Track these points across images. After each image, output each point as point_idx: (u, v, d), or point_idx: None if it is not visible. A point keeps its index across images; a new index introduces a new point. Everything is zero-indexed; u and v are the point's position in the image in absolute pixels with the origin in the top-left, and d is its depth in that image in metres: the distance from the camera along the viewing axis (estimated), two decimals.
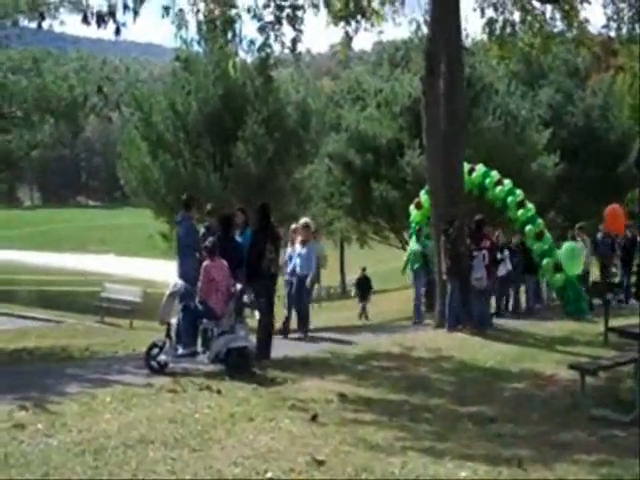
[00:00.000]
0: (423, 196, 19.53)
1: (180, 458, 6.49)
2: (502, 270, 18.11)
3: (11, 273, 53.46)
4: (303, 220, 16.35)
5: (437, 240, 16.20)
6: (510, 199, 19.03)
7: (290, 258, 15.82)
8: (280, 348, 12.63)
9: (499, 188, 19.16)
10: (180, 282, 11.62)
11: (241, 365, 10.57)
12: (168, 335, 10.95)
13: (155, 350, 10.93)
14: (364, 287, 30.08)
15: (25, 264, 72.33)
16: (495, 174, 19.52)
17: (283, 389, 9.76)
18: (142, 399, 8.82)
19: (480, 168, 19.52)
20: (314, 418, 8.00)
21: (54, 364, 11.91)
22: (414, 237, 19.50)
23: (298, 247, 15.65)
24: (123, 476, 6.00)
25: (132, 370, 11.06)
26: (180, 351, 10.89)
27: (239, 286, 11.47)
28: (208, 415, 8.06)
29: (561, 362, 11.22)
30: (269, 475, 6.07)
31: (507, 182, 19.35)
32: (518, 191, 19.23)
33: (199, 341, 11.23)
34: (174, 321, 11.02)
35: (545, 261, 18.50)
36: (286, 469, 6.24)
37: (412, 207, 20.44)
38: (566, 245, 19.05)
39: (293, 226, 16.60)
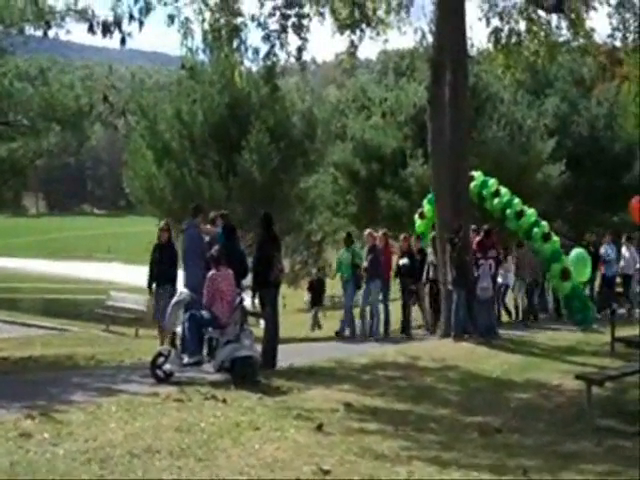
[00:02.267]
0: (426, 206, 19.51)
1: (186, 467, 6.48)
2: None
3: (16, 281, 53.52)
4: None
5: (442, 249, 16.19)
6: (508, 211, 18.93)
7: None
8: (286, 357, 12.62)
9: (496, 200, 19.04)
10: (185, 291, 11.63)
11: (247, 374, 10.56)
12: (173, 344, 10.96)
13: (161, 359, 10.93)
14: (317, 291, 26.38)
15: (30, 272, 72.41)
16: (493, 183, 19.33)
17: (289, 398, 9.75)
18: (148, 408, 8.81)
19: (478, 177, 19.36)
20: (320, 427, 7.99)
21: (60, 373, 11.90)
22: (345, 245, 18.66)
23: None
24: None
25: (138, 379, 11.05)
26: (186, 360, 10.88)
27: (244, 295, 11.48)
28: (214, 424, 8.05)
29: (567, 372, 11.20)
30: None
31: (504, 192, 19.17)
32: (516, 201, 19.06)
33: (205, 350, 11.22)
34: (179, 330, 11.02)
35: (553, 267, 18.35)
36: (292, 478, 6.24)
37: (416, 217, 20.43)
38: (575, 252, 19.09)
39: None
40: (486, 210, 19.88)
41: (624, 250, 20.79)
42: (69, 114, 21.19)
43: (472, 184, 18.71)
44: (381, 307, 17.65)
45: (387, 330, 17.72)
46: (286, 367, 12.16)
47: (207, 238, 13.18)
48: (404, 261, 18.09)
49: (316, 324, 24.62)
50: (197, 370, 11.00)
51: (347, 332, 17.66)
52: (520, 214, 18.72)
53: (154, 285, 14.51)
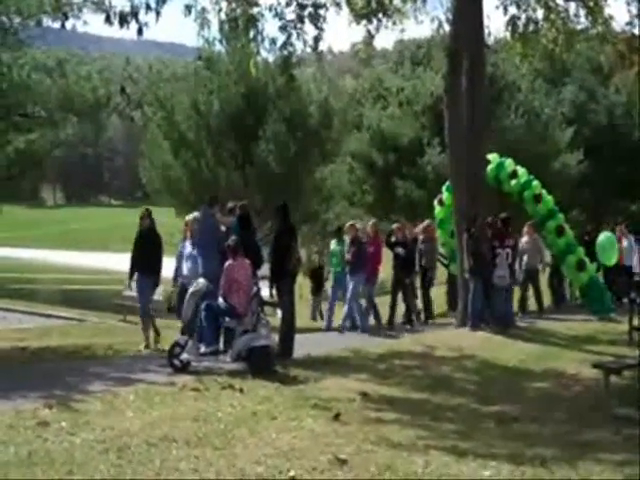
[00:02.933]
0: (445, 193, 19.40)
1: (203, 456, 6.50)
2: None
3: (34, 272, 53.74)
4: (192, 215, 14.35)
5: (459, 238, 16.14)
6: (527, 193, 18.63)
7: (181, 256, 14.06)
8: (302, 347, 12.63)
9: (514, 182, 18.77)
10: (202, 281, 11.64)
11: (263, 364, 10.58)
12: (190, 334, 10.99)
13: (178, 349, 10.97)
14: (318, 279, 25.92)
15: (47, 263, 72.70)
16: (509, 164, 19.00)
17: (305, 388, 9.77)
18: (165, 397, 8.86)
19: (494, 159, 18.98)
20: (336, 417, 8.00)
21: (77, 362, 11.96)
22: (336, 238, 17.77)
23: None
24: (147, 474, 6.02)
25: (155, 369, 11.10)
26: (202, 350, 10.92)
27: (261, 285, 11.50)
28: (231, 414, 8.08)
29: (585, 361, 11.16)
30: (292, 474, 6.07)
31: (522, 172, 18.88)
32: (535, 182, 18.76)
33: (221, 340, 11.24)
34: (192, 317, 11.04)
35: (568, 259, 18.25)
36: (309, 468, 6.24)
37: (435, 203, 20.34)
38: (603, 235, 19.00)
39: (188, 218, 14.50)
40: (504, 194, 19.61)
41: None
42: (86, 105, 21.25)
43: (488, 167, 18.41)
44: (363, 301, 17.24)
45: (379, 323, 17.32)
46: (303, 357, 12.18)
47: (224, 228, 13.14)
48: (399, 250, 17.48)
49: (318, 313, 24.47)
50: (214, 360, 11.05)
51: (347, 324, 16.88)
52: (538, 198, 18.44)
53: (135, 275, 13.87)
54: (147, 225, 13.89)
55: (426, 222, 19.56)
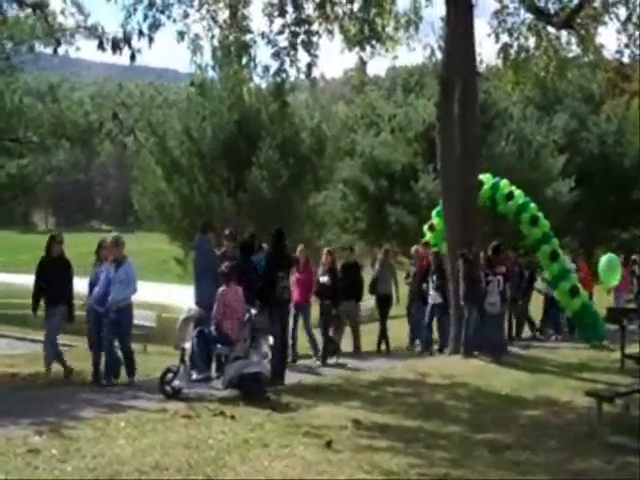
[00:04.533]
0: (435, 218, 19.37)
1: None
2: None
3: (24, 297, 53.55)
4: (112, 236, 13.44)
5: (451, 265, 16.12)
6: (524, 215, 18.42)
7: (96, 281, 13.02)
8: (294, 374, 12.58)
9: (510, 203, 18.69)
10: (194, 307, 11.63)
11: (255, 390, 10.54)
12: (182, 360, 10.95)
13: (169, 375, 10.92)
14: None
15: None
16: (505, 184, 18.82)
17: (297, 415, 9.71)
18: (156, 424, 8.80)
19: (488, 180, 18.81)
20: (329, 444, 7.96)
21: (68, 389, 11.88)
22: None
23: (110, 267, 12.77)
24: None
25: (146, 395, 11.03)
26: (194, 376, 10.87)
27: (254, 312, 11.47)
28: (222, 441, 8.03)
29: (577, 389, 11.12)
30: None
31: (518, 193, 18.76)
32: (532, 205, 18.58)
33: (213, 366, 11.20)
34: (188, 346, 11.00)
35: (561, 285, 18.22)
36: None
37: (425, 229, 20.30)
38: (605, 257, 19.01)
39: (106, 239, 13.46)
40: (501, 226, 19.59)
41: None
42: (79, 131, 21.28)
43: (483, 188, 18.35)
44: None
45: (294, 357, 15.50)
46: (294, 383, 12.13)
47: (219, 252, 13.13)
48: (324, 279, 16.18)
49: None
50: (206, 386, 10.98)
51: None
52: (535, 220, 18.36)
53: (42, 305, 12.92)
54: (60, 251, 13.09)
55: (386, 246, 19.35)
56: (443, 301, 16.57)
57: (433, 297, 16.91)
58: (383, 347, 17.59)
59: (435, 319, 17.09)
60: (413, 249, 18.82)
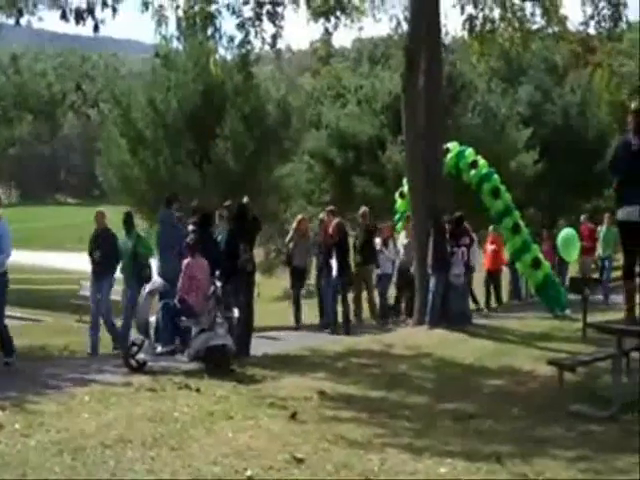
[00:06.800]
0: (405, 185, 19.27)
1: (159, 457, 6.45)
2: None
3: None
4: None
5: (417, 235, 16.13)
6: (486, 185, 18.39)
7: None
8: (259, 345, 12.61)
9: (473, 172, 18.70)
10: (159, 280, 11.61)
11: (220, 363, 10.55)
12: (147, 333, 10.92)
13: (134, 348, 10.89)
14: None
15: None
16: (470, 153, 18.86)
17: (262, 387, 9.74)
18: (121, 398, 8.77)
19: (454, 148, 18.92)
20: (293, 416, 7.99)
21: (33, 364, 11.79)
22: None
23: None
24: (101, 476, 5.97)
25: (111, 369, 11.02)
26: (159, 349, 10.85)
27: (218, 284, 11.45)
28: (187, 414, 8.03)
29: (540, 358, 11.25)
30: (248, 473, 6.05)
31: (483, 163, 18.71)
32: (495, 176, 18.50)
33: (178, 339, 11.19)
34: (153, 319, 10.97)
35: (524, 257, 18.34)
36: (265, 467, 6.22)
37: (397, 196, 20.28)
38: (563, 232, 19.13)
39: None
40: (464, 198, 19.61)
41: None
42: (42, 102, 20.98)
43: (448, 156, 18.35)
44: None
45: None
46: (260, 355, 12.15)
47: (190, 227, 13.08)
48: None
49: None
50: (171, 359, 10.99)
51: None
52: (497, 192, 18.40)
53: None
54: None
55: (299, 217, 18.13)
56: (343, 276, 15.91)
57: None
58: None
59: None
60: (320, 217, 18.09)
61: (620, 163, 8.70)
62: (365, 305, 17.72)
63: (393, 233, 18.71)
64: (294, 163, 31.45)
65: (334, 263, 15.76)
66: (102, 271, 13.35)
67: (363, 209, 18.03)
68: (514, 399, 9.18)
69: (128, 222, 14.17)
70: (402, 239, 18.20)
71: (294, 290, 17.10)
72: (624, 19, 17.14)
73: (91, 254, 13.40)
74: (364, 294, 17.75)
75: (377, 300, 17.83)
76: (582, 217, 22.70)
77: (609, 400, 8.35)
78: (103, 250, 13.22)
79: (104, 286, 13.43)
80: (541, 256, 18.36)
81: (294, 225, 17.27)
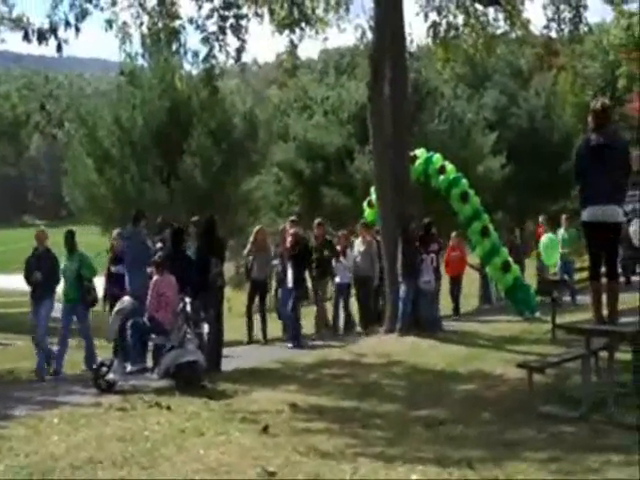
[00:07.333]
0: (373, 194, 19.33)
1: (129, 477, 6.43)
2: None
3: None
4: None
5: (386, 243, 16.15)
6: (454, 190, 18.40)
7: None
8: (231, 360, 12.57)
9: (442, 177, 18.76)
10: (127, 299, 11.52)
11: (191, 379, 10.49)
12: (116, 353, 10.85)
13: (103, 369, 10.81)
14: None
15: None
16: (438, 159, 18.86)
17: (234, 402, 9.70)
18: (90, 419, 8.72)
19: (422, 154, 18.93)
20: (265, 429, 7.97)
21: (1, 388, 11.68)
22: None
23: None
24: None
25: (80, 390, 10.94)
26: (129, 368, 10.79)
27: (188, 300, 11.39)
28: (158, 432, 7.99)
29: (510, 361, 11.26)
30: None
31: (451, 168, 18.70)
32: (463, 180, 18.54)
33: (149, 357, 11.12)
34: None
35: (494, 260, 18.41)
36: None
37: (365, 205, 20.30)
38: (545, 238, 19.30)
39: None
40: (433, 205, 19.65)
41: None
42: (5, 124, 20.86)
43: (417, 162, 18.41)
44: None
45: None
46: (231, 370, 12.11)
47: (159, 244, 12.99)
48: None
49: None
50: (141, 378, 10.93)
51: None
52: (465, 197, 18.50)
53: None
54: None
55: (256, 227, 18.06)
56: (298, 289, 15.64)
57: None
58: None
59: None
60: (281, 227, 17.92)
61: (582, 161, 8.75)
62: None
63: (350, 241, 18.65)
64: (262, 176, 31.45)
65: (290, 274, 15.57)
66: (42, 293, 13.06)
67: (316, 221, 18.00)
68: (485, 403, 9.21)
69: (70, 242, 13.61)
70: (358, 245, 18.15)
71: (248, 302, 16.59)
72: (584, 21, 17.36)
73: (27, 277, 13.12)
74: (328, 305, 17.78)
75: (341, 312, 17.75)
76: (540, 218, 22.75)
77: (579, 400, 8.40)
78: (44, 271, 12.94)
79: (44, 308, 13.20)
80: (510, 259, 18.44)
81: (251, 237, 17.00)
